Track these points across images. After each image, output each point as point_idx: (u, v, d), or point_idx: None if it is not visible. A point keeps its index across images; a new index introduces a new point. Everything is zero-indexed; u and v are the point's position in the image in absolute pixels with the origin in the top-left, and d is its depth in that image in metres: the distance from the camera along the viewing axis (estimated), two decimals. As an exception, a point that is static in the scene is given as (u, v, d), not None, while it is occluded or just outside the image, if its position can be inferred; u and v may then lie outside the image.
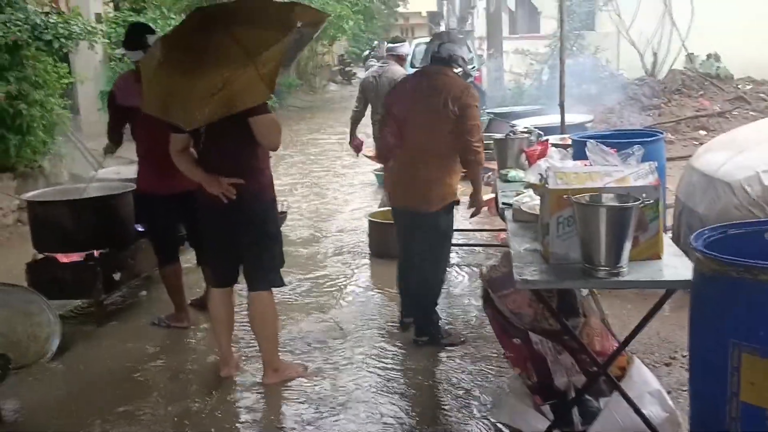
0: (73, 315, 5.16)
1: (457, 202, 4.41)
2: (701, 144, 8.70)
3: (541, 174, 3.21)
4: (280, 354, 4.11)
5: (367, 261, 6.27)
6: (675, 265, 2.77)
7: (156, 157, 4.50)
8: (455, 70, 4.27)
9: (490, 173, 8.03)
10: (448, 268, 5.20)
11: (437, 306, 4.49)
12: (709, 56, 13.49)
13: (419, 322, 4.47)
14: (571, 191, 2.75)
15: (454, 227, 4.59)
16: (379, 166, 9.85)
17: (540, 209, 3.06)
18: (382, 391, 3.90)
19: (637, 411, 2.92)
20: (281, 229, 6.69)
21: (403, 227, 4.42)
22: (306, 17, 3.56)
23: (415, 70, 4.42)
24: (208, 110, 3.45)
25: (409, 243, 4.39)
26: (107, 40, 11.12)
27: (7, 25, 7.55)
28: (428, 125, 4.12)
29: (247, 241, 3.86)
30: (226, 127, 3.55)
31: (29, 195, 5.43)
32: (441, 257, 4.46)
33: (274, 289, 4.00)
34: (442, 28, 37.64)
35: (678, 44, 12.67)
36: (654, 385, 3.12)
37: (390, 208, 4.63)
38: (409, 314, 4.58)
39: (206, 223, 4.00)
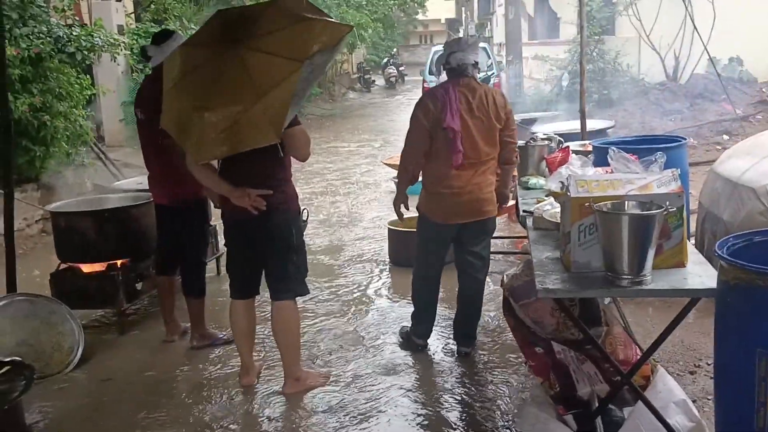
0: (96, 324, 5.20)
1: None
2: (724, 148, 8.62)
3: (562, 182, 3.18)
4: (300, 363, 4.12)
5: (386, 269, 6.27)
6: (699, 273, 2.74)
7: (152, 166, 4.58)
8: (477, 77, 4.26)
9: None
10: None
11: None
12: (731, 60, 13.37)
13: (470, 331, 4.45)
14: (593, 199, 2.74)
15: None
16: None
17: (561, 217, 3.04)
18: (404, 400, 3.88)
19: (662, 421, 2.88)
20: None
21: (461, 239, 4.32)
22: (325, 36, 3.40)
23: (441, 82, 4.29)
24: (218, 151, 3.50)
25: (466, 253, 4.34)
26: (129, 52, 11.24)
27: (30, 37, 7.67)
28: (486, 134, 4.14)
29: (272, 252, 3.87)
30: None
31: (53, 206, 5.49)
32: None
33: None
34: (461, 35, 37.66)
35: (699, 48, 12.56)
36: (679, 394, 3.08)
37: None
38: (428, 334, 4.54)
39: (229, 234, 4.01)
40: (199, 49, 3.59)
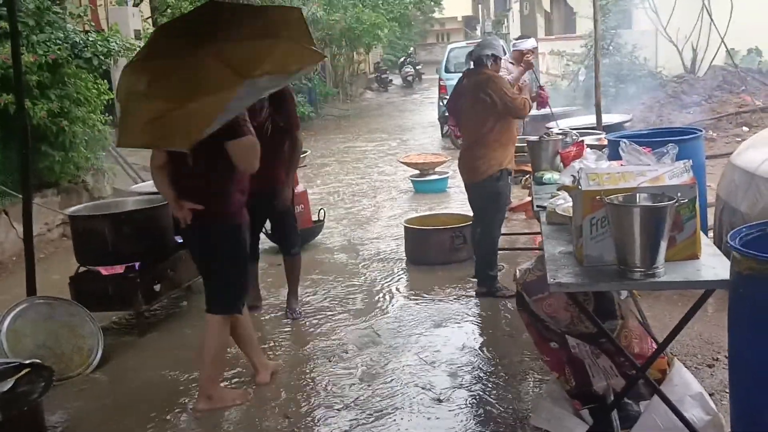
0: (115, 326, 5.25)
1: (510, 173, 5.20)
2: (743, 140, 8.51)
3: (574, 175, 3.17)
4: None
5: (403, 267, 6.26)
6: (713, 265, 2.71)
7: None
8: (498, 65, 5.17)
9: (527, 176, 8.00)
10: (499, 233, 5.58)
11: (493, 262, 5.31)
12: (750, 51, 13.20)
13: (479, 275, 5.34)
14: (604, 192, 2.72)
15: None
16: (416, 172, 9.88)
17: (573, 211, 3.03)
18: (421, 398, 3.88)
19: (678, 414, 2.86)
20: (318, 238, 6.74)
21: (469, 196, 5.44)
22: (283, 61, 3.29)
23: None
24: (138, 140, 3.47)
25: (473, 209, 5.44)
26: (145, 56, 11.30)
27: (47, 44, 7.74)
28: (474, 113, 5.09)
29: (203, 262, 3.92)
30: (202, 148, 3.36)
31: (71, 210, 5.55)
32: (491, 219, 5.28)
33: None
34: (478, 32, 37.59)
35: (717, 40, 12.41)
36: (695, 387, 3.05)
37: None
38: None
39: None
40: (175, 35, 3.48)
